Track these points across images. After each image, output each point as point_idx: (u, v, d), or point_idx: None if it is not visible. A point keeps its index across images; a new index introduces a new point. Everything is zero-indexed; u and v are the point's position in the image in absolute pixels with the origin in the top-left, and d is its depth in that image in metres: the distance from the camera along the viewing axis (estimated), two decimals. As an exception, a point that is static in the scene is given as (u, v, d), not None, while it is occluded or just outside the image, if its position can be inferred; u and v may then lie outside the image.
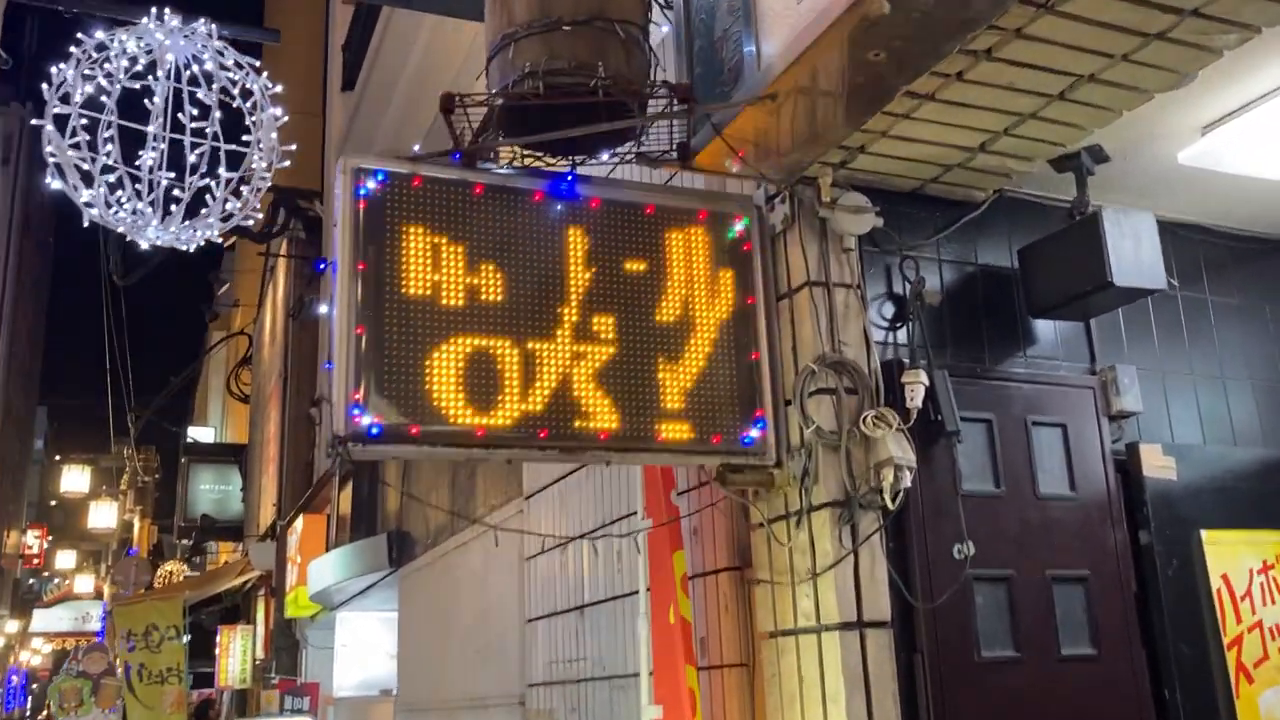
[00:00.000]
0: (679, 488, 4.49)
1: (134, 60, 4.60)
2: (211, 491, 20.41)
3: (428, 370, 3.60)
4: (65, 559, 37.22)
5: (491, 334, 3.71)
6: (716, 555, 4.48)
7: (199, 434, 25.80)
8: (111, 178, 4.35)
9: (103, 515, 26.16)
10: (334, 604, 12.30)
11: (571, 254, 3.87)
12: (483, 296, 3.73)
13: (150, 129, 4.36)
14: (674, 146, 3.89)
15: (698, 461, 3.97)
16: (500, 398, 3.66)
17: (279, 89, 4.61)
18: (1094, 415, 4.30)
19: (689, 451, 3.89)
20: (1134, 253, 3.98)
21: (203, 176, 4.47)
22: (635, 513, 4.92)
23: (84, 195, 4.33)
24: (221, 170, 4.80)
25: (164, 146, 4.66)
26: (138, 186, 4.67)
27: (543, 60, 3.54)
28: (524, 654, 6.73)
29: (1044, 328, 4.39)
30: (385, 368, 3.56)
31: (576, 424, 3.73)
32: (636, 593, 4.74)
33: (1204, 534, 4.32)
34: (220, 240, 4.77)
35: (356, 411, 3.50)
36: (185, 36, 4.55)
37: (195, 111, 4.78)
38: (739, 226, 4.12)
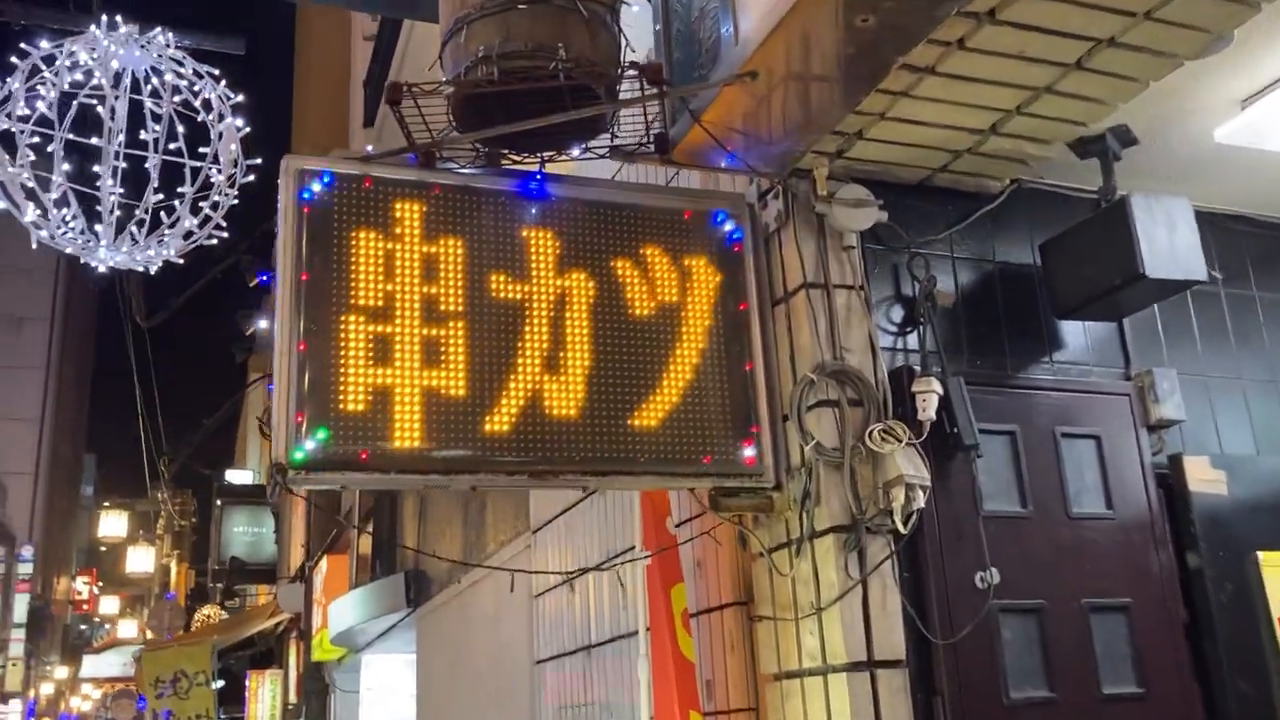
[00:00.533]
0: (675, 515, 4.09)
1: (89, 73, 4.31)
2: (245, 534, 20.19)
3: (379, 389, 3.24)
4: (110, 604, 37.30)
5: (451, 348, 3.35)
6: (720, 589, 4.06)
7: (235, 476, 25.68)
8: (55, 194, 4.05)
9: (141, 559, 26.09)
10: (358, 646, 11.96)
11: (541, 260, 3.51)
12: (442, 307, 3.37)
13: (98, 141, 4.06)
14: (650, 138, 3.52)
15: (686, 485, 3.58)
16: (462, 418, 3.30)
17: (240, 98, 4.31)
18: (1131, 425, 3.86)
19: (676, 474, 3.50)
20: (1168, 241, 3.55)
21: (157, 193, 4.16)
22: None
23: (29, 215, 4.04)
24: (186, 187, 4.49)
25: (118, 163, 4.36)
26: (98, 207, 4.37)
27: (497, 43, 3.20)
28: (533, 698, 6.33)
29: (1072, 329, 3.95)
30: (331, 387, 3.20)
31: (548, 446, 3.35)
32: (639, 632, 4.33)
33: (1261, 555, 3.84)
34: (174, 259, 4.48)
35: (300, 436, 3.14)
36: (142, 46, 4.26)
37: (158, 128, 4.47)
38: (728, 226, 3.74)
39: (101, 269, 4.29)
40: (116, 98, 4.37)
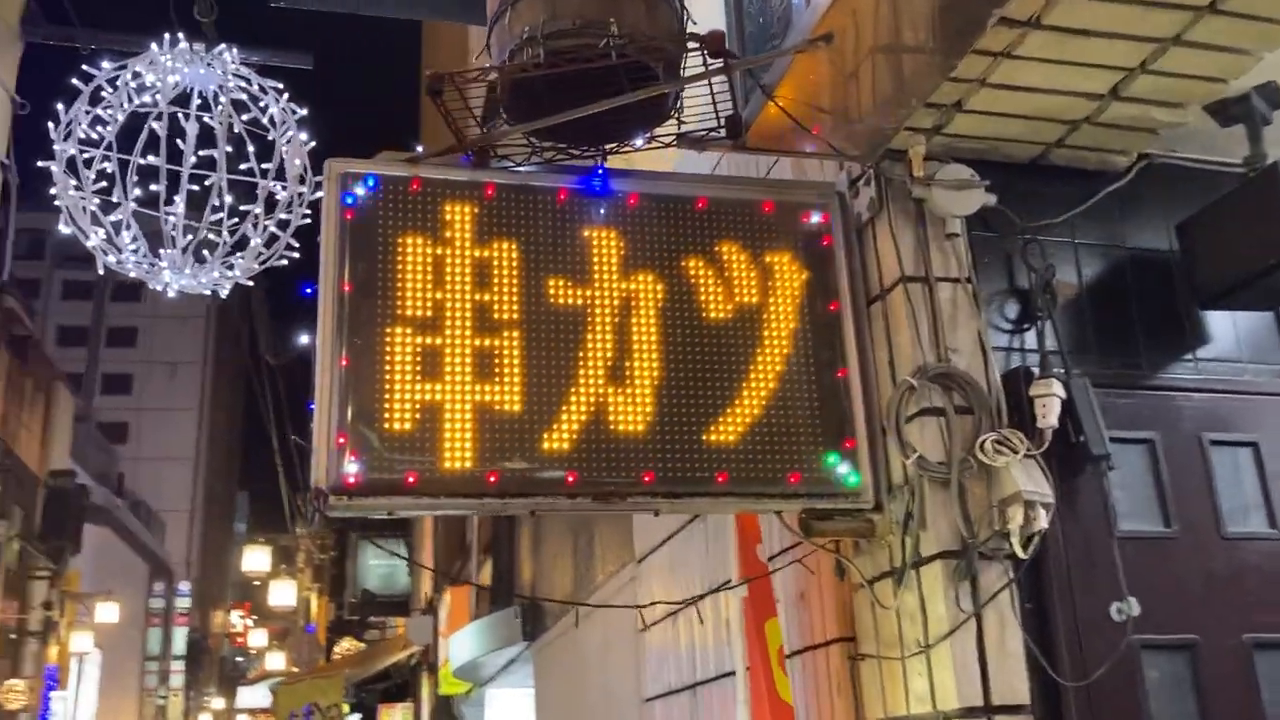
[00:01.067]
0: (769, 541, 3.70)
1: (155, 97, 4.18)
2: (379, 566, 20.32)
3: (428, 406, 2.96)
4: (259, 637, 38.44)
5: (506, 360, 3.05)
6: (825, 624, 3.64)
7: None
8: (118, 217, 3.92)
9: (283, 593, 26.70)
10: (482, 680, 11.78)
11: (605, 262, 3.19)
12: (496, 316, 3.08)
13: (155, 160, 3.92)
14: (720, 121, 3.17)
15: (771, 507, 3.19)
16: (518, 436, 2.99)
17: (304, 112, 4.13)
18: (1295, 429, 3.31)
19: (759, 495, 3.12)
20: (1333, 211, 3.02)
21: (217, 212, 4.01)
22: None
23: (93, 240, 3.93)
24: (255, 207, 4.33)
25: (191, 186, 4.22)
26: (172, 232, 4.23)
27: (542, 22, 2.91)
28: (643, 738, 5.96)
29: (1218, 321, 3.43)
30: (375, 405, 2.94)
31: (613, 465, 3.02)
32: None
33: None
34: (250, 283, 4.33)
35: (341, 459, 2.88)
36: (208, 64, 4.12)
37: (230, 149, 4.33)
38: (815, 218, 3.37)
39: (170, 293, 4.16)
40: (187, 117, 4.23)
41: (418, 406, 2.95)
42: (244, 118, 4.27)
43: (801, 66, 2.91)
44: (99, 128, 4.18)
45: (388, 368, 2.97)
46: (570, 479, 2.99)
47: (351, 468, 2.87)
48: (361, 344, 2.98)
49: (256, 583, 48.35)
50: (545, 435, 3.00)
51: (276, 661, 34.19)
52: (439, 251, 3.10)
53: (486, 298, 3.09)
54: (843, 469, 3.16)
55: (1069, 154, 3.37)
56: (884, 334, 3.29)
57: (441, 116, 3.05)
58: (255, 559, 27.70)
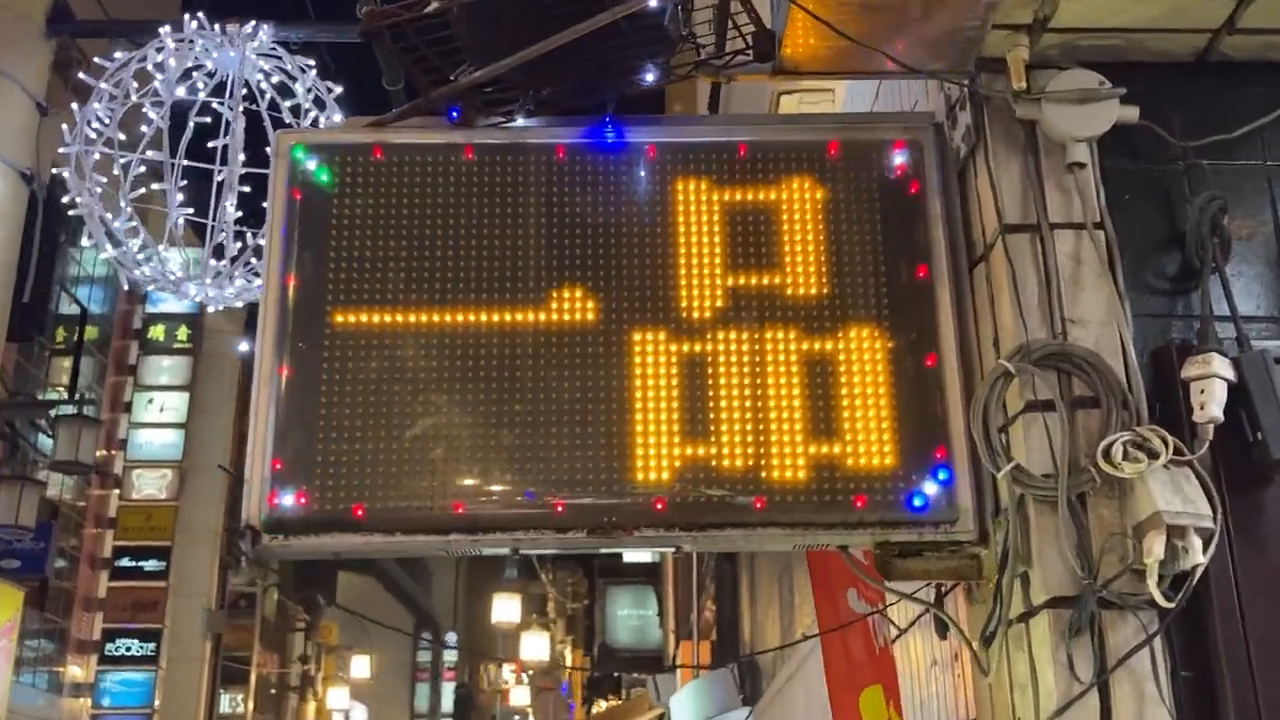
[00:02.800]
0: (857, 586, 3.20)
1: (192, 88, 4.19)
2: (630, 617, 20.31)
3: (381, 423, 2.71)
4: (520, 695, 39.74)
5: (482, 365, 2.75)
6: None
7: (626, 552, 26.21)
8: (122, 223, 3.91)
9: (535, 646, 27.30)
10: (717, 747, 11.46)
11: (614, 234, 2.85)
12: (471, 311, 2.79)
13: (164, 157, 3.89)
14: (747, 42, 2.76)
15: (826, 540, 2.71)
16: (492, 458, 2.69)
17: (340, 90, 4.00)
18: None
19: (808, 525, 2.66)
20: None
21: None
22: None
23: (111, 251, 3.94)
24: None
25: (243, 188, 4.20)
26: (219, 240, 4.23)
27: (488, -66, 2.61)
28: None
29: None
30: (320, 424, 2.72)
31: (614, 488, 2.66)
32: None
33: None
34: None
35: (277, 488, 2.67)
36: (235, 46, 4.08)
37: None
38: (897, 159, 2.89)
39: (211, 309, 4.12)
40: (233, 109, 4.22)
41: (369, 424, 2.71)
42: (288, 104, 4.21)
43: (822, -47, 2.47)
44: (142, 127, 4.22)
45: (335, 379, 2.74)
46: (559, 509, 2.65)
47: (287, 499, 2.66)
48: (305, 349, 2.76)
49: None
50: (528, 455, 2.68)
51: (536, 720, 35.28)
52: (403, 235, 2.85)
53: (461, 289, 2.81)
54: (929, 488, 2.66)
55: (1249, 42, 2.73)
56: (989, 305, 2.77)
57: (399, 66, 2.80)
58: (505, 608, 28.48)
